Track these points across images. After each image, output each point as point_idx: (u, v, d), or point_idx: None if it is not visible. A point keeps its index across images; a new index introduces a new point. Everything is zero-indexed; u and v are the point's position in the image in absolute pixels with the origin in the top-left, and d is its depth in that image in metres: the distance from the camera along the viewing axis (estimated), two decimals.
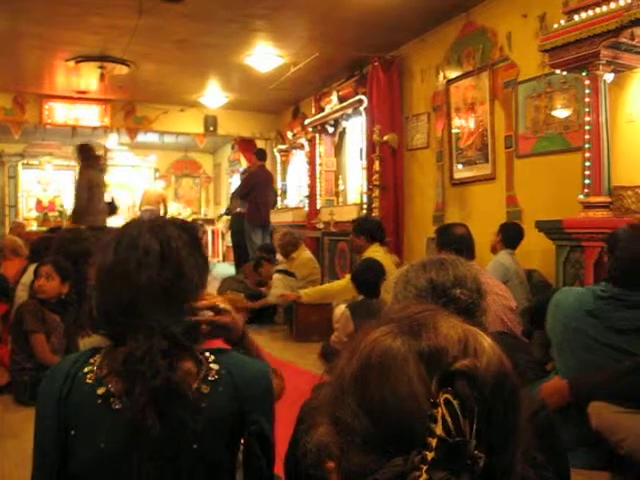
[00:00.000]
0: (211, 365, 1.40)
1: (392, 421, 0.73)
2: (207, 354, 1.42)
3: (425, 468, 0.67)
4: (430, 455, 0.68)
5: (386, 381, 0.75)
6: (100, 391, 1.32)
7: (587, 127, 4.67)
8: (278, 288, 7.16)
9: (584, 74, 4.67)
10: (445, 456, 0.68)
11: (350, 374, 0.80)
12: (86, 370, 1.36)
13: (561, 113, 5.54)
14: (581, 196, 4.68)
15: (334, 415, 0.79)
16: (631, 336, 2.72)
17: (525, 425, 0.77)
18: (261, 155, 10.18)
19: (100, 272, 1.43)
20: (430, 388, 0.71)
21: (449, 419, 0.68)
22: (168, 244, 1.40)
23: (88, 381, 1.34)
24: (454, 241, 3.95)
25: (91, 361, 1.38)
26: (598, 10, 4.38)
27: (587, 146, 4.65)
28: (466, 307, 1.61)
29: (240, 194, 9.84)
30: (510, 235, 5.38)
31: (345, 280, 5.84)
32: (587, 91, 4.66)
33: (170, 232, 1.43)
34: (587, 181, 4.64)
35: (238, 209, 10.19)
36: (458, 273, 1.68)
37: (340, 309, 5.27)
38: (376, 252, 5.76)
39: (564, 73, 4.97)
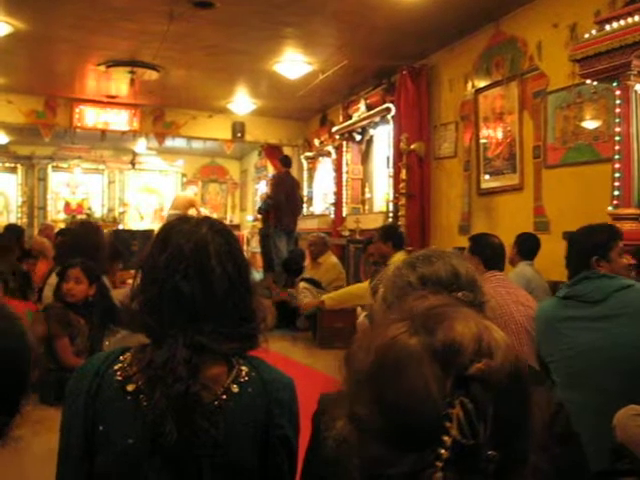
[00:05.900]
0: (242, 367, 1.41)
1: (407, 419, 0.75)
2: (237, 358, 1.42)
3: (440, 466, 0.69)
4: (445, 454, 0.70)
5: (401, 380, 0.76)
6: (130, 388, 1.33)
7: (617, 138, 4.61)
8: (307, 298, 7.19)
9: (615, 84, 4.62)
10: (459, 456, 0.70)
11: (366, 371, 0.81)
12: (116, 367, 1.37)
13: (591, 124, 5.48)
14: (610, 208, 4.62)
15: (351, 410, 0.81)
16: (604, 304, 2.86)
17: (538, 417, 0.80)
18: (286, 161, 10.20)
19: (139, 273, 1.45)
20: (444, 387, 0.73)
21: (464, 420, 0.71)
22: (200, 253, 1.39)
23: (118, 378, 1.35)
24: (489, 249, 3.92)
25: (121, 358, 1.39)
26: (630, 20, 4.35)
27: (617, 157, 4.59)
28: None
29: (274, 205, 9.87)
30: (527, 246, 5.28)
31: (366, 283, 5.79)
32: (618, 101, 4.60)
33: (206, 239, 1.41)
34: (616, 192, 4.58)
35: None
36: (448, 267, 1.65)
37: (364, 318, 5.26)
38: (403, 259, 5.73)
39: (594, 83, 4.92)
